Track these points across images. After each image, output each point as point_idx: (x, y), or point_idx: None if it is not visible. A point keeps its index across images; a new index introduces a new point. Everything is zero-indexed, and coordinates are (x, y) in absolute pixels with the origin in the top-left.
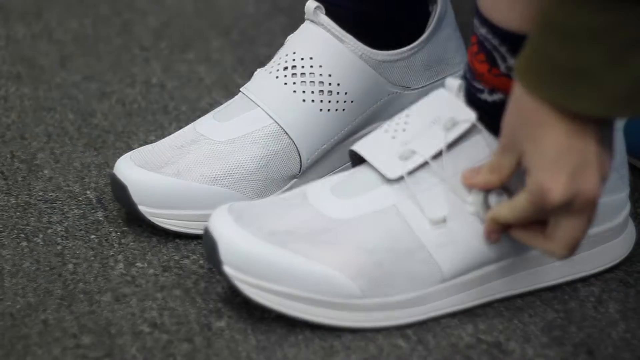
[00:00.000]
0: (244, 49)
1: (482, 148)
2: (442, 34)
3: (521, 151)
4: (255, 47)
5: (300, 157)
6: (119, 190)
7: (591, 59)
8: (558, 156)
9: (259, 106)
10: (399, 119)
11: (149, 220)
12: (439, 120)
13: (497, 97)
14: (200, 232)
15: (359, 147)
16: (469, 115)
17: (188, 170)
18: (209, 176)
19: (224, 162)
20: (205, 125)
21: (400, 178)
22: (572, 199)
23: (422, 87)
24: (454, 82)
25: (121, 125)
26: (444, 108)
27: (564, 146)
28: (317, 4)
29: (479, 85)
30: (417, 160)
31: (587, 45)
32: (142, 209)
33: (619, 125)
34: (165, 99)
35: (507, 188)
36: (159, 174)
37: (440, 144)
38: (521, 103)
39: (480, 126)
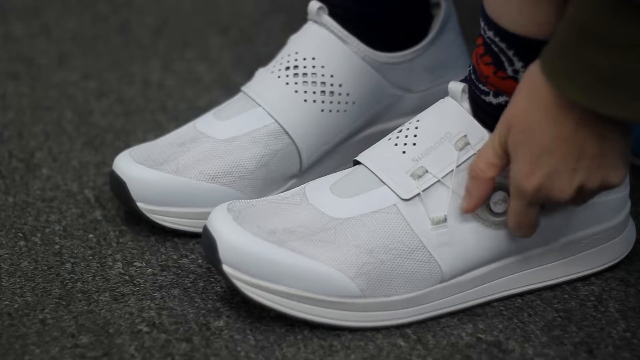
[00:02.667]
0: (242, 48)
1: None
2: (445, 38)
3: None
4: (254, 46)
5: (300, 157)
6: (118, 187)
7: (627, 67)
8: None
9: (260, 105)
10: (407, 130)
11: (147, 218)
12: (450, 137)
13: (502, 99)
14: (198, 230)
15: (368, 160)
16: (481, 134)
17: (187, 168)
18: (209, 174)
19: (223, 160)
20: (206, 123)
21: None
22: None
23: (424, 90)
24: (457, 86)
25: (119, 124)
26: (455, 123)
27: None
28: (320, 4)
29: (484, 87)
30: (430, 181)
31: (625, 53)
32: (141, 205)
33: None
34: (164, 98)
35: (506, 187)
36: (158, 171)
37: (453, 164)
38: (540, 101)
39: (485, 130)
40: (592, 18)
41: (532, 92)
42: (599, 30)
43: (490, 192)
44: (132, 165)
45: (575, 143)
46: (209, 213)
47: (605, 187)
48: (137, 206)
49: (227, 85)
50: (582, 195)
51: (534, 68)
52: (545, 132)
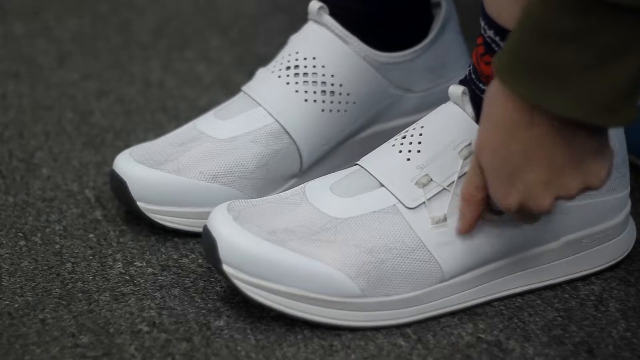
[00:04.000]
0: (243, 48)
1: None
2: (445, 38)
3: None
4: (254, 46)
5: (300, 157)
6: (118, 187)
7: (566, 59)
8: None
9: (260, 105)
10: (412, 137)
11: (148, 217)
12: (455, 145)
13: None
14: (199, 229)
15: (371, 166)
16: None
17: (188, 167)
18: (209, 174)
19: (224, 160)
20: (206, 123)
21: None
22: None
23: (425, 90)
24: (457, 89)
25: (120, 124)
26: (459, 130)
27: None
28: (320, 4)
29: (485, 87)
30: (435, 190)
31: (563, 45)
32: (141, 205)
33: None
34: (164, 98)
35: None
36: (158, 171)
37: (456, 174)
38: (498, 119)
39: None
40: (536, 10)
41: (490, 111)
42: (539, 22)
43: (482, 211)
44: (132, 165)
45: (540, 156)
46: (209, 213)
47: (586, 189)
48: (137, 206)
49: (227, 85)
50: (566, 199)
51: (490, 87)
52: (509, 150)
